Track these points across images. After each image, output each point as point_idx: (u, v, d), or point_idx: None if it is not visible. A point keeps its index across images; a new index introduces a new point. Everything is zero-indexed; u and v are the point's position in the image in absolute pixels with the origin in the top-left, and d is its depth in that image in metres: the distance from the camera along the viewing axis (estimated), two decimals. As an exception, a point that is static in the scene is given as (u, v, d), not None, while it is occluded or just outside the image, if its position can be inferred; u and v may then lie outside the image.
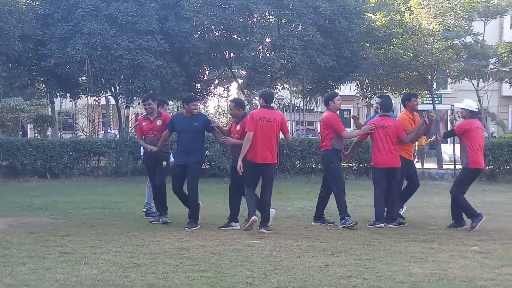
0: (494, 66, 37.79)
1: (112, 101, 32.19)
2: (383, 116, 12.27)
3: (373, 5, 36.02)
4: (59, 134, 36.11)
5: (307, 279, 7.82)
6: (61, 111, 40.18)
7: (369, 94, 35.65)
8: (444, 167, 26.86)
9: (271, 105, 12.08)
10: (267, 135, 11.47)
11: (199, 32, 27.63)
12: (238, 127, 11.96)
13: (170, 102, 34.14)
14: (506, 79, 37.15)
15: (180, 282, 7.63)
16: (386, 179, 12.32)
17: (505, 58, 31.21)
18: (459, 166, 13.84)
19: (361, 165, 25.03)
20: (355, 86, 35.89)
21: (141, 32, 26.17)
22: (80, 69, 26.65)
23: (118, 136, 29.58)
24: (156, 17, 26.66)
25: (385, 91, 35.38)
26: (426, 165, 26.11)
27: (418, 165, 25.16)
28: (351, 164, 25.10)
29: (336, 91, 34.06)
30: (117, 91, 28.56)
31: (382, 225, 12.11)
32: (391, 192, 12.29)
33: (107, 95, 31.15)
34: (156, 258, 9.00)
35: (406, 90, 34.38)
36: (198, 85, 31.57)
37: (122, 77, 26.68)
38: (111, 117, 40.65)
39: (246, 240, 10.60)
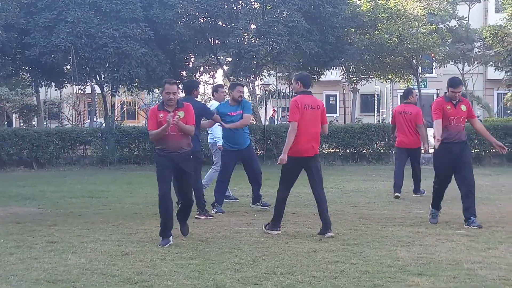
0: (479, 50, 37.91)
1: (98, 89, 32.11)
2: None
3: (358, -10, 36.03)
4: (45, 123, 36.02)
5: (295, 265, 7.84)
6: (46, 101, 40.09)
7: (355, 80, 35.71)
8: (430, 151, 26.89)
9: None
10: (311, 124, 10.03)
11: (183, 19, 27.58)
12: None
13: (156, 90, 34.09)
14: (491, 63, 37.24)
15: (168, 270, 7.63)
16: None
17: (490, 42, 31.26)
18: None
19: (348, 151, 25.06)
20: (341, 71, 35.94)
21: (126, 20, 26.08)
22: (64, 58, 26.51)
23: (104, 124, 29.51)
24: (140, 4, 26.57)
25: (371, 76, 35.51)
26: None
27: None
28: (338, 150, 25.13)
29: (322, 76, 34.18)
30: (102, 79, 28.49)
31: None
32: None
33: (92, 83, 31.07)
34: (144, 246, 9.00)
35: (391, 75, 34.50)
36: (184, 73, 31.49)
37: (107, 65, 26.57)
38: (96, 105, 40.56)
39: (234, 227, 10.61)
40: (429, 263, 7.87)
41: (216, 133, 13.68)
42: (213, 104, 13.77)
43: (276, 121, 39.36)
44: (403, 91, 16.24)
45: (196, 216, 11.42)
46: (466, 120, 10.88)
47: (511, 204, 13.32)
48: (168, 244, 9.00)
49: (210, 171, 14.20)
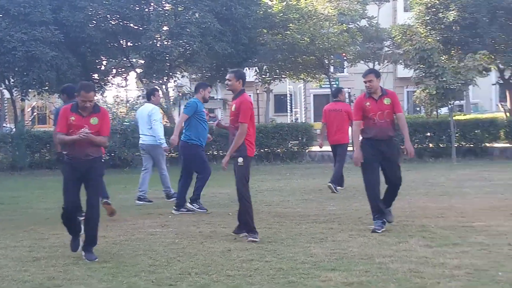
0: (389, 49, 38.70)
1: (7, 94, 31.41)
2: None
3: (269, -9, 36.26)
4: (-47, 129, 35.00)
5: (210, 265, 7.84)
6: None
7: (268, 80, 35.92)
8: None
9: None
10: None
11: (94, 22, 27.23)
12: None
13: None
14: (401, 61, 38.03)
15: (81, 274, 7.54)
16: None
17: (399, 41, 31.90)
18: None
19: (262, 150, 25.19)
20: (254, 72, 36.11)
21: (35, 23, 25.54)
22: (-28, 62, 25.84)
23: (14, 129, 28.89)
24: (49, 7, 26.06)
25: (283, 76, 35.78)
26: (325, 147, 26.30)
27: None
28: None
29: (226, 77, 34.24)
30: (12, 83, 27.88)
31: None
32: None
33: (1, 88, 30.38)
34: (56, 251, 8.86)
35: (304, 74, 34.85)
36: (96, 75, 31.07)
37: (16, 69, 26.00)
38: (6, 110, 39.69)
39: (148, 229, 10.56)
40: (342, 258, 7.98)
41: (159, 133, 13.89)
42: (155, 108, 14.20)
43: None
44: (333, 90, 16.98)
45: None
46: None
47: (420, 199, 13.61)
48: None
49: (146, 175, 14.21)
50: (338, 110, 15.37)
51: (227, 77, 9.93)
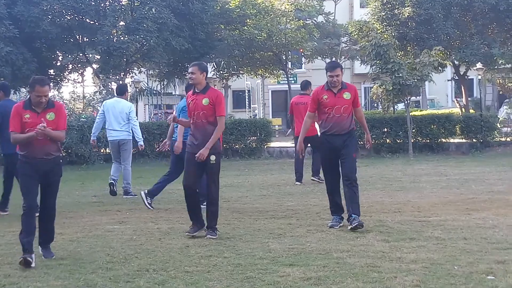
0: (346, 45, 38.91)
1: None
2: None
3: (226, -14, 36.23)
4: None
5: (168, 261, 7.82)
6: None
7: (225, 75, 35.91)
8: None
9: None
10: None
11: (49, 17, 26.90)
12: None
13: (22, 89, 33.17)
14: (358, 57, 38.26)
15: (38, 271, 7.47)
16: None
17: (356, 37, 32.13)
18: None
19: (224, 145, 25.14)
20: (212, 67, 36.06)
21: (-12, 18, 25.22)
22: None
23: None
24: (3, 2, 25.68)
25: (241, 72, 35.80)
26: (284, 143, 26.45)
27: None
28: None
29: (189, 71, 34.22)
30: (-35, 79, 27.47)
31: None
32: None
33: (-46, 84, 29.87)
34: (13, 248, 8.74)
35: (261, 70, 34.90)
36: (52, 71, 30.74)
37: (-31, 65, 25.63)
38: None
39: (106, 226, 10.48)
40: (300, 254, 8.02)
41: (139, 133, 14.51)
42: (133, 106, 14.75)
43: (149, 119, 39.08)
44: (301, 82, 17.12)
45: None
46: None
47: (377, 194, 13.73)
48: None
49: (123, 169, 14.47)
50: (304, 104, 15.11)
51: (190, 70, 9.43)
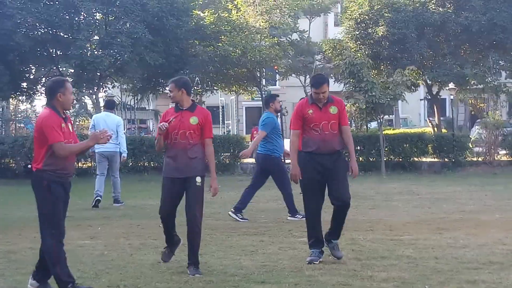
0: (320, 63, 39.00)
1: None
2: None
3: (201, 2, 36.29)
4: None
5: (139, 277, 7.75)
6: None
7: (200, 91, 35.86)
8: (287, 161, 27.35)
9: None
10: None
11: (23, 30, 26.76)
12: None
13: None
14: (331, 75, 38.38)
15: (7, 285, 7.39)
16: None
17: (330, 55, 32.29)
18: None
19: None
20: (185, 83, 35.95)
21: (-39, 30, 25.04)
22: None
23: None
24: (-24, 14, 25.59)
25: (215, 88, 35.80)
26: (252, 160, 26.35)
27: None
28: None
29: (167, 89, 34.19)
30: None
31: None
32: None
33: None
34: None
35: (235, 86, 34.92)
36: (24, 84, 30.59)
37: None
38: None
39: (77, 241, 10.37)
40: (272, 271, 7.99)
41: (125, 145, 15.21)
42: (121, 120, 15.43)
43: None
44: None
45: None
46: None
47: (350, 211, 13.46)
48: None
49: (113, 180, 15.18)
50: None
51: (168, 88, 8.37)
